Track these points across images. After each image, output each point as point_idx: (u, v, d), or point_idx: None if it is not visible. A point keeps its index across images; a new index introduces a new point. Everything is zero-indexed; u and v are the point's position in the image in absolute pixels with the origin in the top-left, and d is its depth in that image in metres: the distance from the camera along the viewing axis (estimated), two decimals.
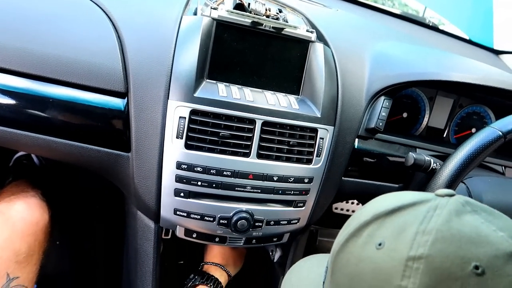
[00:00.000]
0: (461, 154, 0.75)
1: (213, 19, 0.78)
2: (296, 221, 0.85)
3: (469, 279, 0.40)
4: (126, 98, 0.75)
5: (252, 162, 0.78)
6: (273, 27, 0.81)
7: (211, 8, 0.78)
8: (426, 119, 1.09)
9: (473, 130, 1.13)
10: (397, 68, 0.93)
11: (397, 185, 0.98)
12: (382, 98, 0.91)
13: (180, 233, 0.81)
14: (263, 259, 1.07)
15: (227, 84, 0.80)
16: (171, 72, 0.74)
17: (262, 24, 0.80)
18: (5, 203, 0.81)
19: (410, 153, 0.84)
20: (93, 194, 1.28)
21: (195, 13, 0.83)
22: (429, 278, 0.41)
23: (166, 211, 0.78)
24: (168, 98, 0.74)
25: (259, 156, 0.78)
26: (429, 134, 1.10)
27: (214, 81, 0.80)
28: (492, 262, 0.41)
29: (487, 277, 0.40)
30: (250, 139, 0.78)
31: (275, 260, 0.96)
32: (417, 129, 1.10)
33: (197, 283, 0.87)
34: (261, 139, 0.78)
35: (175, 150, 0.74)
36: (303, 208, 0.85)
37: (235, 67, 0.82)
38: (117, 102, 0.75)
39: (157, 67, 0.75)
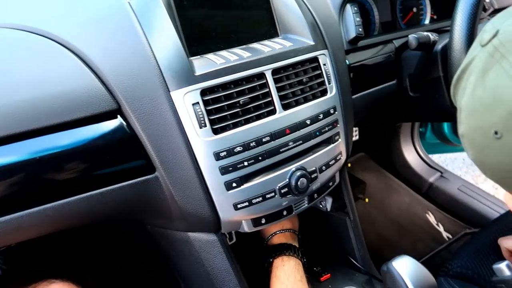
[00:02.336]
0: (462, 8, 0.74)
1: None
2: (340, 155, 0.80)
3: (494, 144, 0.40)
4: (122, 114, 0.61)
5: (281, 117, 0.70)
6: None
7: None
8: (377, 17, 1.09)
9: (414, 9, 1.17)
10: None
11: (394, 81, 0.97)
12: (348, 6, 0.88)
13: (248, 227, 0.70)
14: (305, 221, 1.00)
15: (213, 53, 0.70)
16: (157, 62, 0.62)
17: None
18: None
19: (409, 36, 0.83)
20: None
21: None
22: None
23: (225, 212, 0.67)
24: (169, 91, 0.61)
25: (285, 107, 0.70)
26: (384, 30, 1.11)
27: (198, 56, 0.69)
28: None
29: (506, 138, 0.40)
30: (268, 94, 0.69)
31: (329, 210, 0.91)
32: (373, 29, 1.10)
33: (275, 256, 0.79)
34: (278, 89, 0.70)
35: (205, 142, 0.63)
36: (340, 140, 0.80)
37: (209, 33, 0.71)
38: (114, 123, 0.61)
39: (138, 63, 0.61)
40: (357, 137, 1.63)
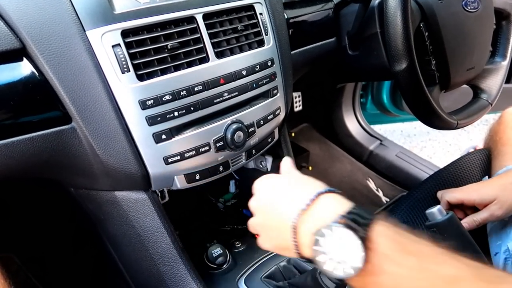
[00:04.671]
0: None
1: None
2: (279, 110, 0.77)
3: None
4: (27, 55, 0.53)
5: (215, 65, 0.65)
6: None
7: None
8: None
9: None
10: None
11: (333, 39, 0.96)
12: None
13: (181, 183, 0.65)
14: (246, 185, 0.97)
15: None
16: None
17: None
18: None
19: None
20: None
21: None
22: None
23: (155, 167, 0.61)
24: (84, 30, 0.54)
25: (218, 55, 0.66)
26: None
27: None
28: None
29: None
30: (200, 40, 0.64)
31: (269, 170, 0.88)
32: None
33: None
34: (211, 36, 0.65)
35: (129, 89, 0.57)
36: (278, 94, 0.76)
37: None
38: (19, 65, 0.53)
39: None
40: (301, 107, 1.62)
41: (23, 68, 0.54)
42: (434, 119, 0.81)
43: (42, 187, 0.83)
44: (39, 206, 0.99)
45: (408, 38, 0.71)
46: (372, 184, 1.62)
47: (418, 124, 2.44)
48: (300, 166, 1.52)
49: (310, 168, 1.56)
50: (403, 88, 0.76)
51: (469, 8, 0.83)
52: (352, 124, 1.76)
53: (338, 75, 1.11)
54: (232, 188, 0.95)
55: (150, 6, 0.59)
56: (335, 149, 1.75)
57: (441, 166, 1.02)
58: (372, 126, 1.82)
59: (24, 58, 0.54)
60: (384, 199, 1.57)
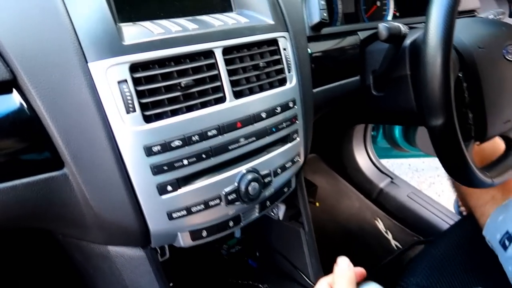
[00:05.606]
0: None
1: None
2: (298, 156, 0.69)
3: None
4: (18, 87, 0.45)
5: (232, 106, 0.57)
6: None
7: None
8: (340, 6, 1.00)
9: (378, 3, 1.09)
10: None
11: (357, 77, 0.88)
12: None
13: (185, 241, 0.57)
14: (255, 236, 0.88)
15: (150, 20, 0.56)
16: (72, 21, 0.46)
17: None
18: None
19: (380, 25, 0.73)
20: None
21: None
22: None
23: (156, 222, 0.53)
24: (86, 61, 0.47)
25: (237, 95, 0.58)
26: (347, 22, 1.03)
27: (130, 22, 0.55)
28: None
29: None
30: (217, 77, 0.56)
31: (281, 218, 0.80)
32: (336, 19, 1.00)
33: None
34: (229, 73, 0.57)
35: (133, 132, 0.49)
36: (298, 139, 0.69)
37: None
38: (7, 98, 0.45)
39: (42, 20, 0.46)
40: None
41: (11, 102, 0.46)
42: (467, 176, 0.73)
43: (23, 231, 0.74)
44: (19, 249, 0.90)
45: (447, 89, 0.63)
46: (381, 225, 1.53)
47: (427, 158, 2.38)
48: (308, 201, 1.43)
49: (317, 204, 1.48)
50: (437, 144, 0.69)
51: (509, 56, 0.76)
52: (362, 158, 1.68)
53: (357, 115, 1.04)
54: (237, 233, 0.86)
55: (164, 37, 0.52)
56: (344, 184, 1.66)
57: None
58: (380, 160, 1.74)
59: (14, 90, 0.46)
60: (393, 242, 1.47)
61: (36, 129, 0.46)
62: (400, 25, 0.73)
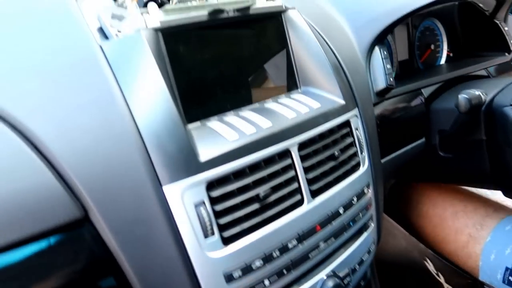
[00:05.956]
0: None
1: (156, 29, 0.46)
2: (374, 245, 0.63)
3: None
4: (89, 222, 0.41)
5: (310, 209, 0.51)
6: (236, 9, 0.53)
7: (141, 14, 0.47)
8: (395, 55, 0.94)
9: (432, 47, 1.02)
10: (375, 6, 0.73)
11: (422, 140, 0.81)
12: (377, 48, 0.72)
13: None
14: None
15: (217, 116, 0.51)
16: (142, 137, 0.42)
17: (223, 11, 0.51)
18: None
19: (460, 96, 0.67)
20: None
21: (105, 36, 0.49)
22: None
23: None
24: (160, 184, 0.42)
25: (314, 194, 0.52)
26: (402, 70, 0.96)
27: (197, 122, 0.50)
28: None
29: None
30: (294, 179, 0.51)
31: None
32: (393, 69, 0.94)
33: None
34: (306, 171, 0.52)
35: (212, 258, 0.43)
36: (372, 225, 0.63)
37: (212, 88, 0.52)
38: (76, 235, 0.40)
39: (111, 141, 0.41)
40: None
41: (81, 237, 0.41)
42: None
43: None
44: None
45: None
46: (431, 266, 1.44)
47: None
48: None
49: None
50: None
51: None
52: None
53: (421, 173, 0.96)
54: None
55: (240, 145, 0.46)
56: (389, 221, 1.58)
57: None
58: None
59: (85, 225, 0.41)
60: (446, 286, 1.39)
61: (105, 260, 0.42)
62: (480, 93, 0.67)
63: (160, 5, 0.53)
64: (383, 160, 0.71)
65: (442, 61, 1.04)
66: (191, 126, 0.49)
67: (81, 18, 0.46)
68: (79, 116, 0.41)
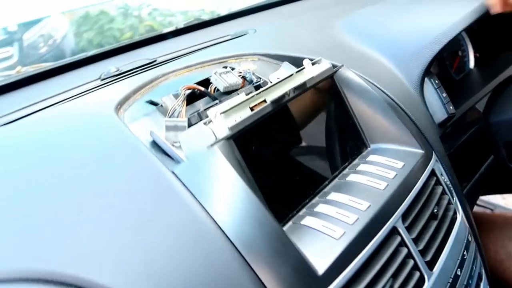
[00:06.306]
0: None
1: (228, 138, 0.42)
2: None
3: None
4: None
5: (432, 284, 0.46)
6: (294, 88, 0.49)
7: (205, 124, 0.42)
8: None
9: (459, 53, 0.99)
10: (416, 38, 0.70)
11: (491, 157, 0.77)
12: (427, 80, 0.68)
13: None
14: None
15: (306, 209, 0.46)
16: (248, 263, 0.37)
17: (284, 96, 0.47)
18: None
19: None
20: None
21: (165, 153, 0.45)
22: None
23: None
24: None
25: (430, 264, 0.47)
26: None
27: (290, 222, 0.45)
28: None
29: None
30: (408, 256, 0.45)
31: None
32: None
33: None
34: (415, 242, 0.47)
35: None
36: (484, 274, 0.57)
37: (290, 175, 0.48)
38: None
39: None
40: None
41: None
42: None
43: None
44: None
45: None
46: None
47: None
48: None
49: None
50: None
51: None
52: None
53: (493, 186, 0.91)
54: None
55: (350, 240, 0.41)
56: None
57: None
58: None
59: None
60: None
61: None
62: None
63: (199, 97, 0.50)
64: (464, 192, 0.66)
65: (471, 64, 1.00)
66: (286, 229, 0.44)
67: (145, 149, 0.42)
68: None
